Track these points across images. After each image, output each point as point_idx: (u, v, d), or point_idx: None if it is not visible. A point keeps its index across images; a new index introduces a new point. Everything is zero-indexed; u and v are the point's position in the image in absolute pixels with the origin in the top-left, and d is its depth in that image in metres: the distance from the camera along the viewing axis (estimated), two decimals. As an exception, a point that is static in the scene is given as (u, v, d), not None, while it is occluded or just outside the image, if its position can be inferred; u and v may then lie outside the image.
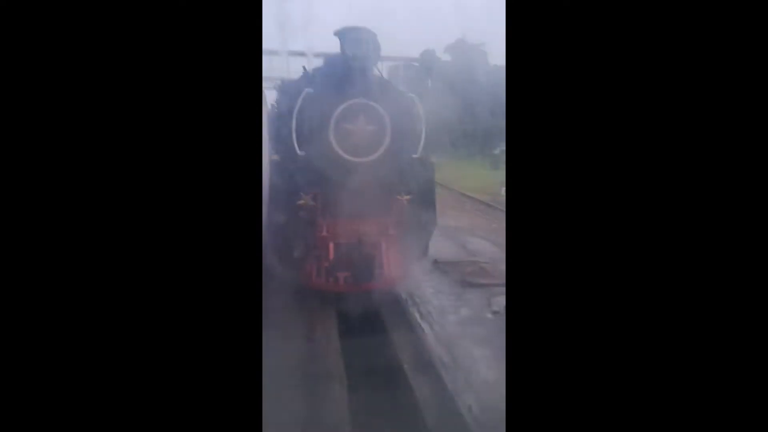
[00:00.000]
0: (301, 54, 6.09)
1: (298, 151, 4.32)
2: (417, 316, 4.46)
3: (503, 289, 4.47)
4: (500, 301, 4.61)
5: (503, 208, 7.76)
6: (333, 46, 4.60)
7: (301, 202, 4.41)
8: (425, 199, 4.67)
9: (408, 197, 4.58)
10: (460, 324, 4.32)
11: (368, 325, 4.12)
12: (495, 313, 4.48)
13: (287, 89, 5.35)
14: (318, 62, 5.14)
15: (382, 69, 4.83)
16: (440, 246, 6.07)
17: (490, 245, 7.21)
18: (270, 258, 4.34)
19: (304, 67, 5.60)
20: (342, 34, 4.41)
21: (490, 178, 12.41)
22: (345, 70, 4.37)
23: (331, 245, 4.33)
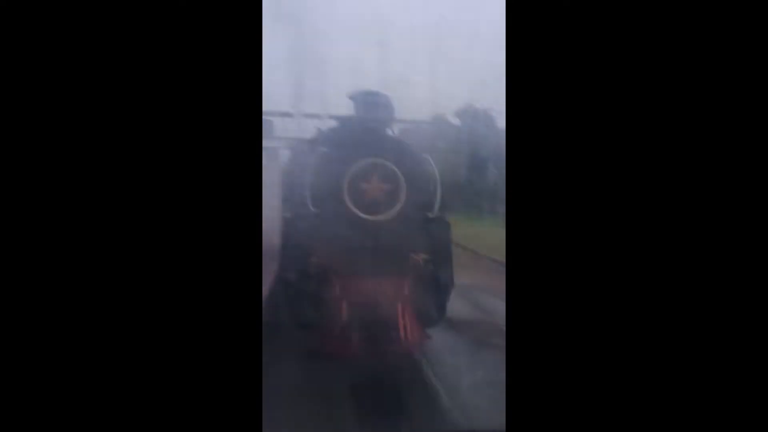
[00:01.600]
0: (316, 116, 6.13)
1: (312, 209, 4.19)
2: (432, 377, 4.18)
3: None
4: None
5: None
6: (347, 108, 4.59)
7: (314, 260, 4.23)
8: (442, 258, 4.47)
9: (424, 257, 4.38)
10: (475, 386, 4.05)
11: (382, 392, 3.82)
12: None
13: (301, 148, 5.32)
14: (332, 123, 5.13)
15: (394, 130, 4.78)
16: (454, 304, 5.82)
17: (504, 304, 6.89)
18: (280, 317, 4.11)
19: (318, 128, 5.61)
20: (356, 96, 4.40)
21: (502, 237, 11.98)
22: (359, 131, 4.32)
23: (344, 305, 4.10)
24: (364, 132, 4.28)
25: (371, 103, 4.28)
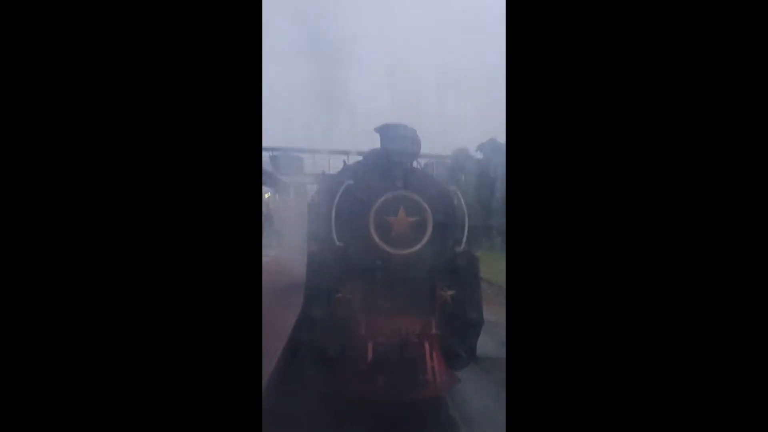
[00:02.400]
0: (344, 152, 6.07)
1: (337, 242, 4.05)
2: (458, 419, 3.93)
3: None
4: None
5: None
6: (373, 143, 4.51)
7: (339, 296, 4.06)
8: (470, 294, 4.25)
9: (452, 293, 4.17)
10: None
11: None
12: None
13: (327, 182, 5.23)
14: (358, 157, 5.04)
15: (420, 164, 4.67)
16: (480, 341, 5.53)
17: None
18: (302, 357, 3.93)
19: (344, 161, 5.53)
20: (382, 130, 4.31)
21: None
22: (385, 164, 4.21)
23: (370, 345, 3.89)
24: (390, 165, 4.17)
25: (397, 136, 4.19)
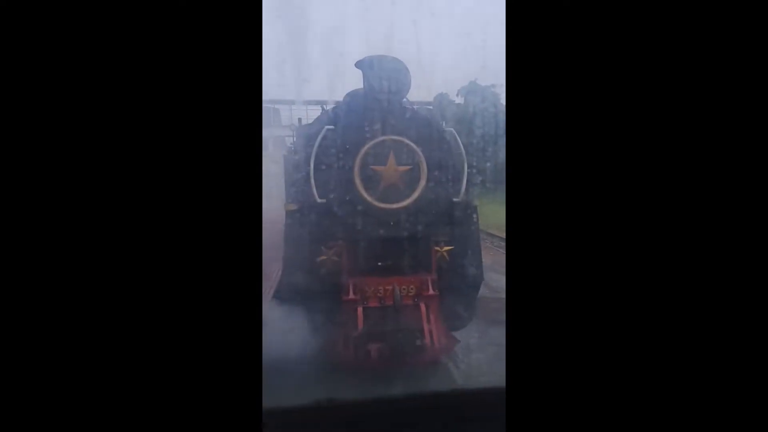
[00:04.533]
0: (322, 102, 5.30)
1: (318, 199, 3.43)
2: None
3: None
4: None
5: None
6: (355, 84, 3.79)
7: (323, 258, 3.49)
8: (470, 249, 3.72)
9: (449, 248, 3.64)
10: (487, 362, 3.56)
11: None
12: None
13: (304, 131, 4.54)
14: (338, 100, 4.31)
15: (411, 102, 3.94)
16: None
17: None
18: (285, 324, 3.39)
19: (322, 107, 4.80)
20: (364, 64, 3.58)
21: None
22: (371, 104, 3.52)
23: (360, 310, 3.37)
24: (376, 105, 3.48)
25: (383, 70, 3.47)
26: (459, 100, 17.45)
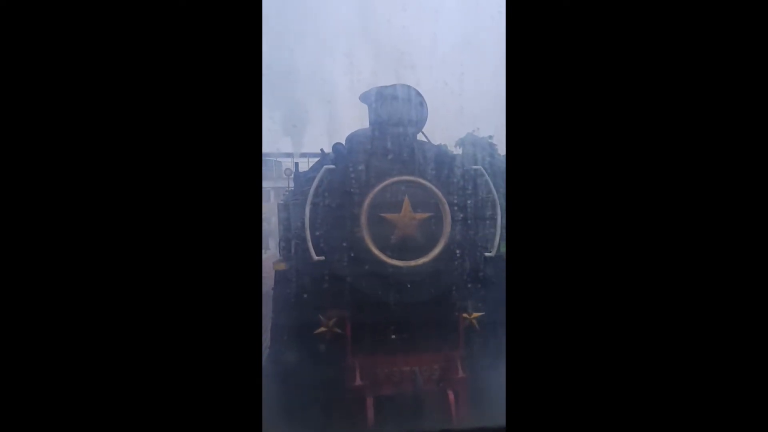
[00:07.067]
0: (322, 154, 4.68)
1: (315, 256, 2.65)
2: None
3: None
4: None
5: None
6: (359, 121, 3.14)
7: (321, 330, 2.67)
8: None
9: (478, 314, 2.84)
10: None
11: None
12: None
13: (301, 177, 3.81)
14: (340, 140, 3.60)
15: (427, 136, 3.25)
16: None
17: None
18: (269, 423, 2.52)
19: (321, 150, 4.10)
20: (370, 96, 2.92)
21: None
22: (379, 139, 2.83)
23: (370, 402, 2.52)
24: (387, 138, 2.78)
25: (394, 99, 2.79)
26: (457, 150, 17.14)
